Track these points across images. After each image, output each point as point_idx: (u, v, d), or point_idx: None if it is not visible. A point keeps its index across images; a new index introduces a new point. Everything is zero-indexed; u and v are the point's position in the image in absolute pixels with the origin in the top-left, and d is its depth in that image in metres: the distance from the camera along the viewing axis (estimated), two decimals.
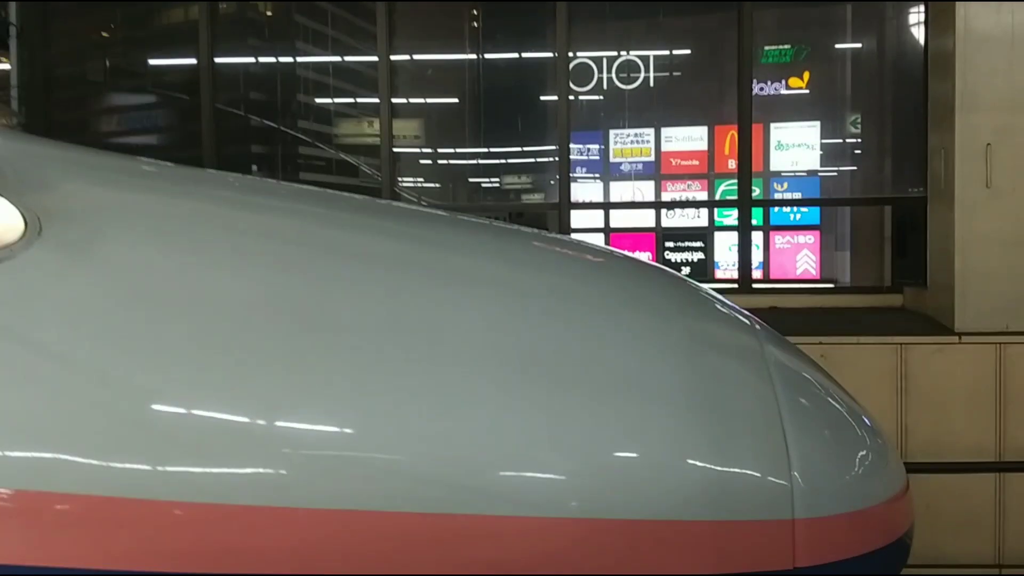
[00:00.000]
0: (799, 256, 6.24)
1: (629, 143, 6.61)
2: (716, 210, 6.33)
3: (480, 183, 7.21)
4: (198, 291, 1.37)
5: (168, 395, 1.25)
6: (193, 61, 6.42)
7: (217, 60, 6.36)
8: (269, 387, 1.27)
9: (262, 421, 1.25)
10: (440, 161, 7.27)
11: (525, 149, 6.99)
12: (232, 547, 1.20)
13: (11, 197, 1.36)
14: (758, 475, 1.33)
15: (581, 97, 6.54)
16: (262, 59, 7.16)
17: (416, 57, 6.76)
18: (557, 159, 6.13)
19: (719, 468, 1.32)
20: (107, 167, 1.70)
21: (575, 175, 6.40)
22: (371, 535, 1.21)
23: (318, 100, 7.30)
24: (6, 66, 6.63)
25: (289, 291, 1.39)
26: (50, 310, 1.28)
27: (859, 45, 6.82)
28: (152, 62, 7.20)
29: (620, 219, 6.52)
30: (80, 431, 1.21)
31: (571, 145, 6.17)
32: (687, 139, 6.54)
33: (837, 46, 6.84)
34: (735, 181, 6.07)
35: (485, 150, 7.05)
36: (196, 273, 1.40)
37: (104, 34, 7.39)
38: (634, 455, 1.32)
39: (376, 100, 6.16)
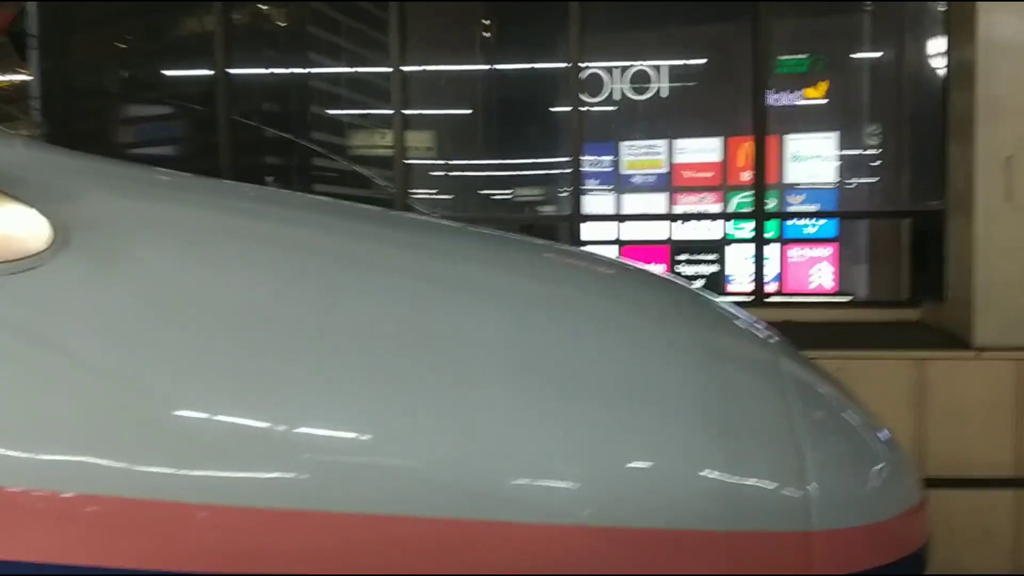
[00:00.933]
0: (814, 269, 6.16)
1: (641, 155, 6.58)
2: (730, 222, 6.27)
3: (492, 195, 7.23)
4: (220, 299, 1.42)
5: (191, 400, 1.30)
6: (209, 72, 6.48)
7: (232, 71, 6.42)
8: (290, 393, 1.31)
9: (283, 426, 1.29)
10: (452, 173, 7.29)
11: (537, 161, 6.99)
12: (253, 549, 1.24)
13: (39, 207, 1.42)
14: (774, 487, 1.35)
15: (593, 108, 6.51)
16: (277, 70, 7.23)
17: (428, 68, 6.78)
18: (569, 171, 6.10)
19: (733, 479, 1.34)
20: (130, 178, 1.76)
21: (587, 187, 6.37)
22: (388, 539, 1.25)
23: (332, 112, 7.36)
24: (28, 77, 6.75)
25: (309, 300, 1.44)
26: (78, 317, 1.33)
27: (877, 55, 6.74)
28: (169, 73, 7.29)
29: (632, 231, 6.49)
30: (107, 435, 1.25)
31: (583, 157, 6.14)
32: (700, 151, 6.49)
33: (854, 56, 6.75)
34: (750, 193, 6.00)
35: (497, 161, 7.06)
36: (218, 281, 1.45)
37: (121, 45, 7.51)
38: (648, 465, 1.34)
39: (389, 111, 6.18)
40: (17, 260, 1.33)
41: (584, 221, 6.10)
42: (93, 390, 1.28)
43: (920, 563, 1.53)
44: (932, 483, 4.34)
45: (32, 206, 1.41)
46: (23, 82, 6.88)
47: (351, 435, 1.31)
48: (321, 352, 1.36)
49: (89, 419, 1.26)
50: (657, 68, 6.52)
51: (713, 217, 6.40)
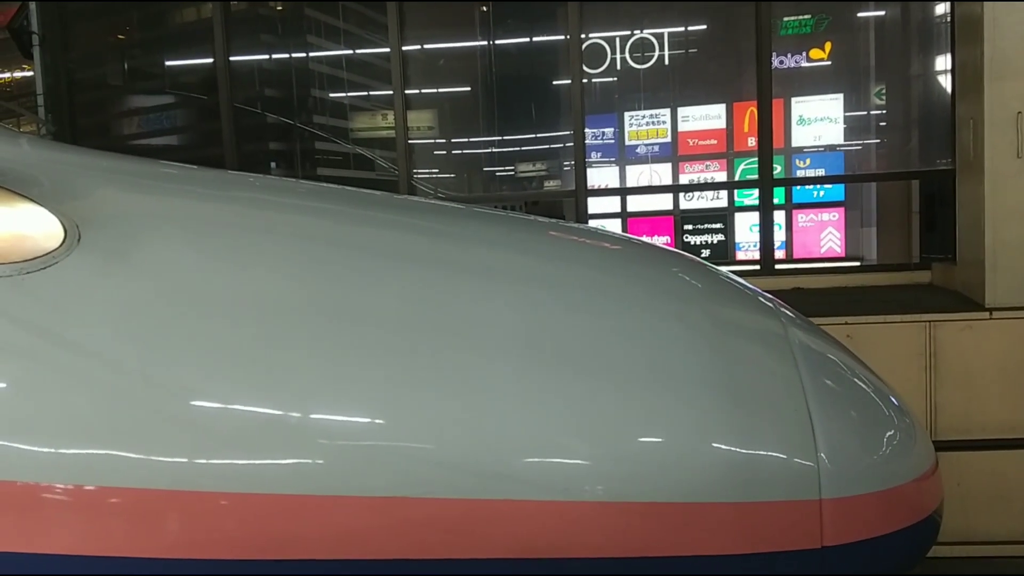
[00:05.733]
0: (823, 234, 6.09)
1: (645, 125, 6.49)
2: (736, 190, 6.20)
3: (495, 172, 7.17)
4: (233, 290, 1.44)
5: (208, 392, 1.33)
6: (209, 60, 6.46)
7: (233, 58, 6.40)
8: (304, 381, 1.34)
9: (298, 414, 1.32)
10: (455, 151, 7.24)
11: (539, 136, 6.92)
12: (273, 535, 1.28)
13: (50, 206, 1.45)
14: (784, 457, 1.37)
15: (595, 80, 6.42)
16: (276, 56, 7.20)
17: (427, 47, 6.71)
18: (572, 144, 6.06)
19: (745, 451, 1.36)
20: (137, 173, 1.78)
21: (591, 160, 6.31)
22: (405, 521, 1.28)
23: (333, 95, 7.32)
24: (30, 74, 6.76)
25: (321, 288, 1.46)
26: (93, 313, 1.36)
27: (882, 12, 6.57)
28: (169, 63, 7.28)
29: (638, 203, 6.44)
30: (127, 427, 1.29)
31: (586, 130, 6.08)
32: (704, 118, 6.39)
33: (859, 14, 6.58)
34: (755, 160, 5.92)
35: (499, 138, 6.99)
36: (230, 273, 1.47)
37: (121, 37, 7.49)
38: (661, 440, 1.36)
39: (390, 92, 6.15)
40: (31, 259, 1.36)
41: (589, 195, 6.06)
42: (112, 385, 1.31)
43: (932, 527, 1.55)
44: (946, 446, 4.34)
45: (43, 205, 1.44)
46: (26, 78, 6.91)
47: (366, 420, 1.33)
48: (334, 340, 1.38)
49: (109, 413, 1.29)
50: (658, 35, 6.40)
51: (718, 187, 6.33)
